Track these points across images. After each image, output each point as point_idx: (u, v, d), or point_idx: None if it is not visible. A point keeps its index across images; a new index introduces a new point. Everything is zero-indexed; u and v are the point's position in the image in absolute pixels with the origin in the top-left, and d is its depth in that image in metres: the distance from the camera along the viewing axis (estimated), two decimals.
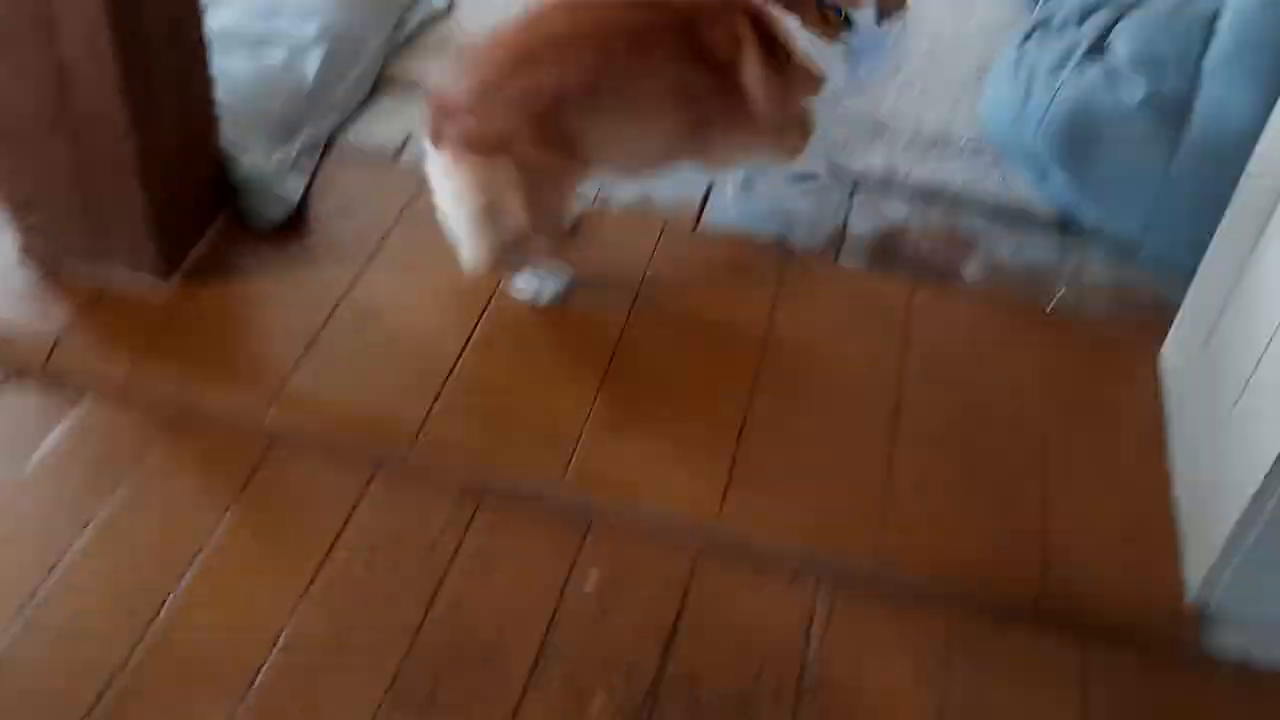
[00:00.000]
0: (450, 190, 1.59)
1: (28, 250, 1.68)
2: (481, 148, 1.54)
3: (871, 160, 2.03)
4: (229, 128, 1.81)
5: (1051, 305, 1.79)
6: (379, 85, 2.11)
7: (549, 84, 1.53)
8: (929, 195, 1.99)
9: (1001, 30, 2.34)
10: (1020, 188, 1.99)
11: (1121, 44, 1.86)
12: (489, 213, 1.58)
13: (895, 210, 1.96)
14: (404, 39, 2.20)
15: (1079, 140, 1.86)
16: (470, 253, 1.64)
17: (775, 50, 1.61)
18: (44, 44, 1.44)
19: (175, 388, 1.58)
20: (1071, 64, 1.90)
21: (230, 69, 1.92)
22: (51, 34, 1.43)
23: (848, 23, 1.63)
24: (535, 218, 1.60)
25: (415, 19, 2.24)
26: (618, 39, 1.57)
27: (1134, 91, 1.80)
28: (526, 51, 1.56)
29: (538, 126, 1.53)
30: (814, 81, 1.66)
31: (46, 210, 1.62)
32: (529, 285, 1.71)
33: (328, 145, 1.97)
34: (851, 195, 1.98)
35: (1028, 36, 2.05)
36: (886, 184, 2.00)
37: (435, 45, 2.21)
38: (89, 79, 1.47)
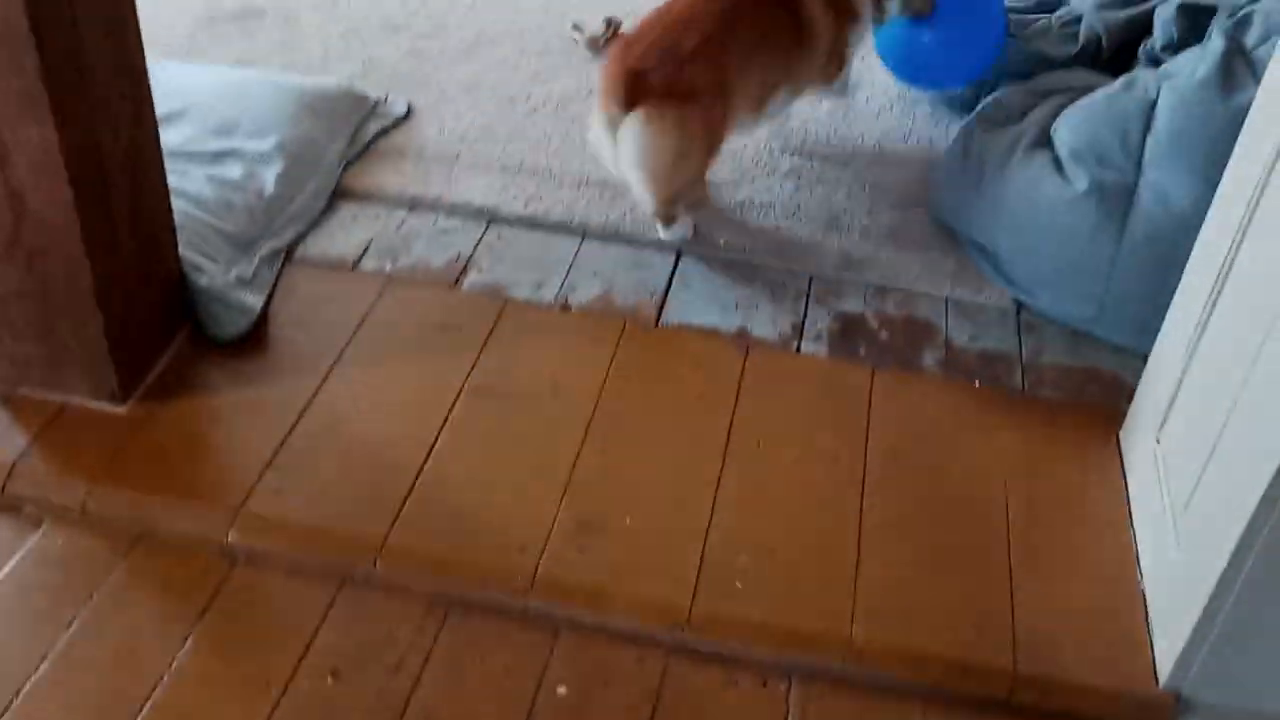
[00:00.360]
0: (645, 144, 1.89)
1: None
2: (677, 99, 1.87)
3: (826, 255, 2.05)
4: (187, 244, 1.82)
5: None
6: (337, 195, 2.12)
7: (709, 44, 1.90)
8: (885, 287, 2.01)
9: (950, 116, 2.40)
10: (975, 278, 2.02)
11: (1064, 134, 1.90)
12: (678, 158, 1.92)
13: (853, 301, 1.98)
14: (362, 148, 2.22)
15: (1031, 231, 1.90)
16: (654, 203, 1.99)
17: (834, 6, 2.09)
18: None
19: (134, 510, 1.56)
20: (1017, 156, 1.95)
21: (187, 187, 1.94)
22: (3, 161, 1.44)
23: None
24: (707, 159, 2.02)
25: (372, 128, 2.27)
26: (740, 6, 1.96)
27: (1078, 181, 1.84)
28: (680, 24, 1.91)
29: (711, 77, 1.91)
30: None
31: (0, 336, 1.61)
32: (676, 233, 2.05)
33: (287, 257, 1.98)
34: (809, 289, 2.00)
35: (973, 125, 2.10)
36: (843, 275, 2.02)
37: (393, 153, 2.23)
38: (41, 206, 1.47)
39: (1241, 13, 1.86)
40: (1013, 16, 2.37)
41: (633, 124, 1.87)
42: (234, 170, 2.02)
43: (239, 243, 1.92)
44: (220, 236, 1.90)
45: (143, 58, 1.58)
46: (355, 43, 2.58)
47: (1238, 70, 1.77)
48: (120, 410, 1.67)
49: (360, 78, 2.45)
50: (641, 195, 1.98)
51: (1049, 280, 1.92)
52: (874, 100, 2.47)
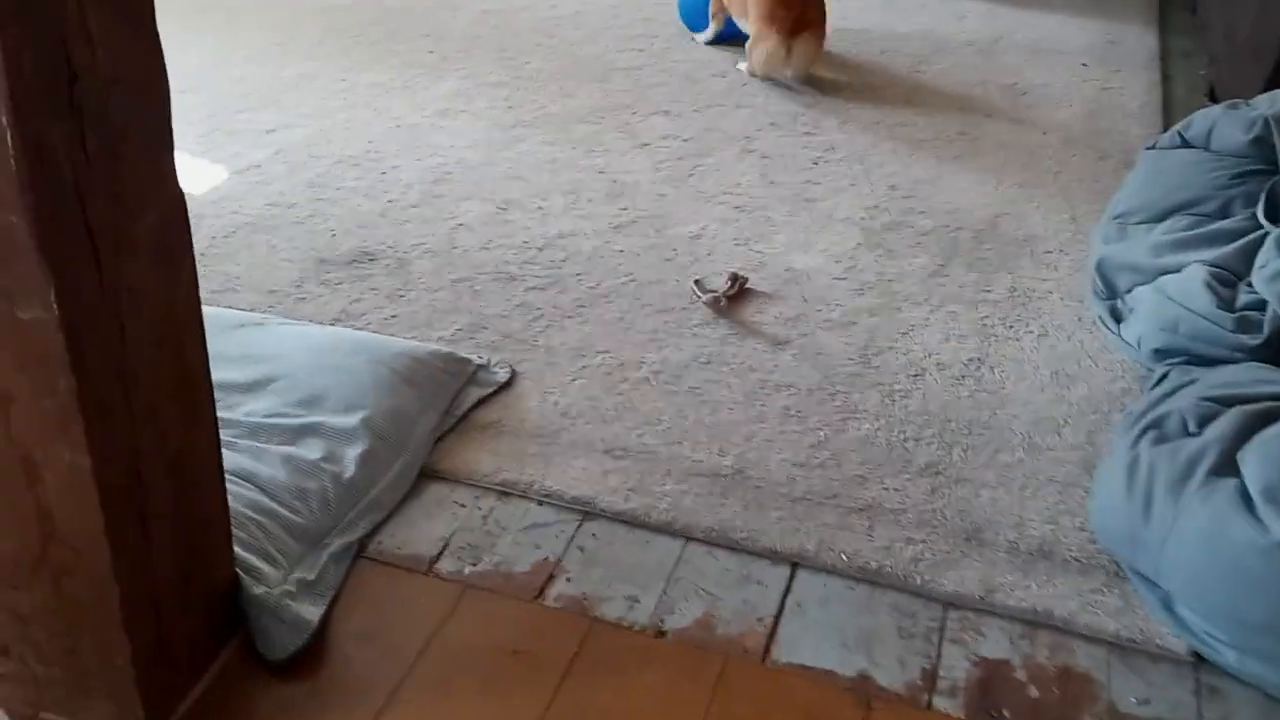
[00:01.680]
0: (793, 52, 3.45)
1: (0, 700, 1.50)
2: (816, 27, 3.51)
3: (965, 577, 1.78)
4: (248, 544, 1.65)
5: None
6: (423, 474, 1.95)
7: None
8: (1035, 623, 1.72)
9: (1110, 404, 2.13)
10: (1144, 616, 1.72)
11: (1255, 466, 1.62)
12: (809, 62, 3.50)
13: (996, 641, 1.69)
14: (456, 420, 2.06)
15: (1212, 577, 1.60)
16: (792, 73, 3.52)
17: None
18: (23, 488, 1.31)
19: None
20: (1195, 482, 1.66)
21: (259, 470, 1.79)
22: (33, 480, 1.30)
23: None
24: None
25: (471, 397, 2.11)
26: None
27: (1275, 526, 1.55)
28: None
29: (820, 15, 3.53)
30: None
31: (21, 658, 1.45)
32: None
33: (361, 548, 1.80)
34: (944, 621, 1.72)
35: (1141, 434, 1.83)
36: (985, 608, 1.74)
37: (489, 426, 2.06)
38: (70, 528, 1.32)
39: None
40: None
41: (778, 42, 3.44)
42: (314, 450, 1.87)
43: (309, 537, 1.75)
44: (288, 531, 1.73)
45: (203, 361, 1.44)
46: (465, 293, 2.46)
47: None
48: None
49: (465, 335, 2.31)
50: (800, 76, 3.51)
51: (1236, 636, 1.61)
52: (1025, 379, 2.22)
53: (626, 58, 3.81)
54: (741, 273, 2.54)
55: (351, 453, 1.88)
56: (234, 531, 1.63)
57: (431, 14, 4.16)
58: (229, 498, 1.60)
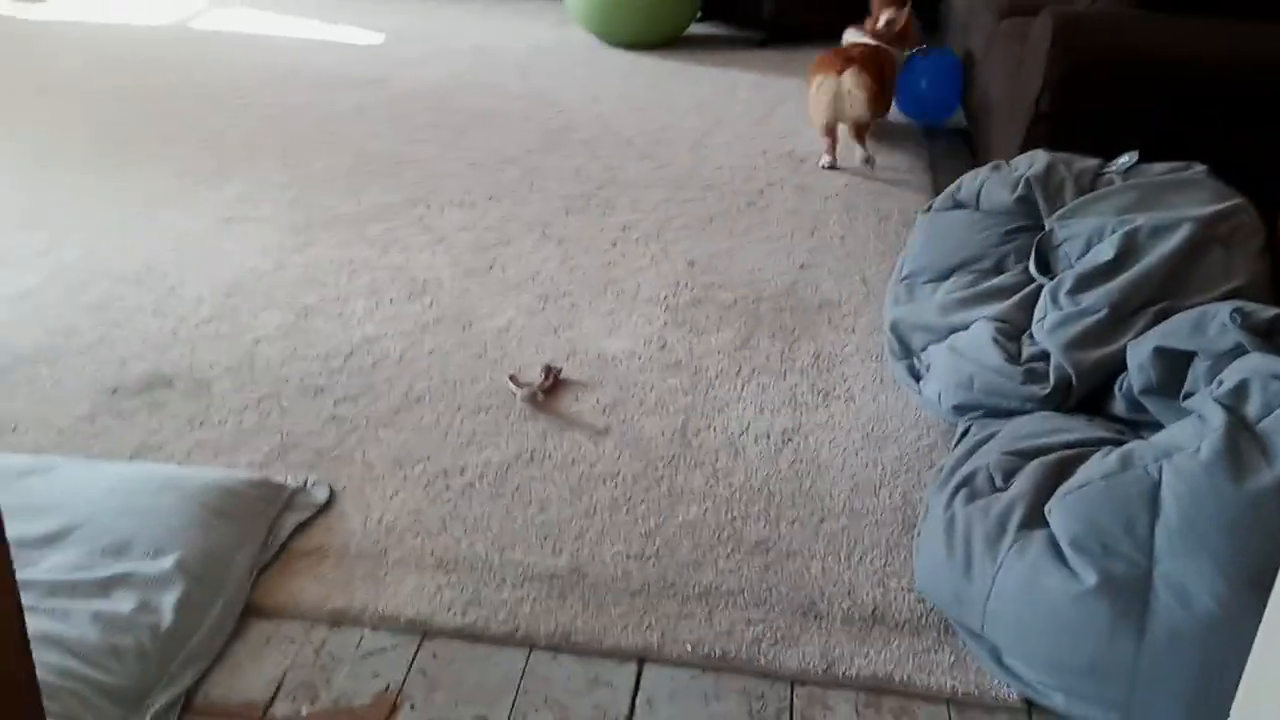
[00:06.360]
0: (852, 94, 3.62)
1: None
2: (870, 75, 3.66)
3: (807, 652, 1.81)
4: (62, 712, 1.54)
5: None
6: (247, 611, 1.86)
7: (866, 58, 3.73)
8: (878, 689, 1.77)
9: (920, 461, 2.22)
10: (977, 669, 1.79)
11: (1061, 518, 1.71)
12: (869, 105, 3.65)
13: (844, 714, 1.73)
14: (277, 550, 1.98)
15: (1034, 627, 1.68)
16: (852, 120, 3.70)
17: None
18: None
19: None
20: (1009, 538, 1.75)
21: (66, 633, 1.67)
22: None
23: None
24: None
25: (289, 524, 2.03)
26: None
27: (1086, 575, 1.64)
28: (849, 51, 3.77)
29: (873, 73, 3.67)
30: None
31: None
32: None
33: (186, 704, 1.69)
34: (791, 699, 1.75)
35: (954, 493, 1.91)
36: (829, 681, 1.78)
37: (312, 553, 1.99)
38: None
39: (1236, 380, 1.71)
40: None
41: (831, 85, 3.66)
42: (125, 602, 1.76)
43: (128, 698, 1.64)
44: (105, 695, 1.62)
45: None
46: (272, 411, 2.38)
47: (1245, 449, 1.60)
48: None
49: (276, 457, 2.23)
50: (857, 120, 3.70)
51: (1062, 681, 1.69)
52: (839, 445, 2.30)
53: (414, 150, 3.79)
54: (554, 363, 2.54)
55: (167, 600, 1.78)
56: (45, 703, 1.51)
57: (208, 116, 4.04)
58: (36, 667, 1.48)
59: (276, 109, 4.12)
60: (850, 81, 3.59)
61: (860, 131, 3.71)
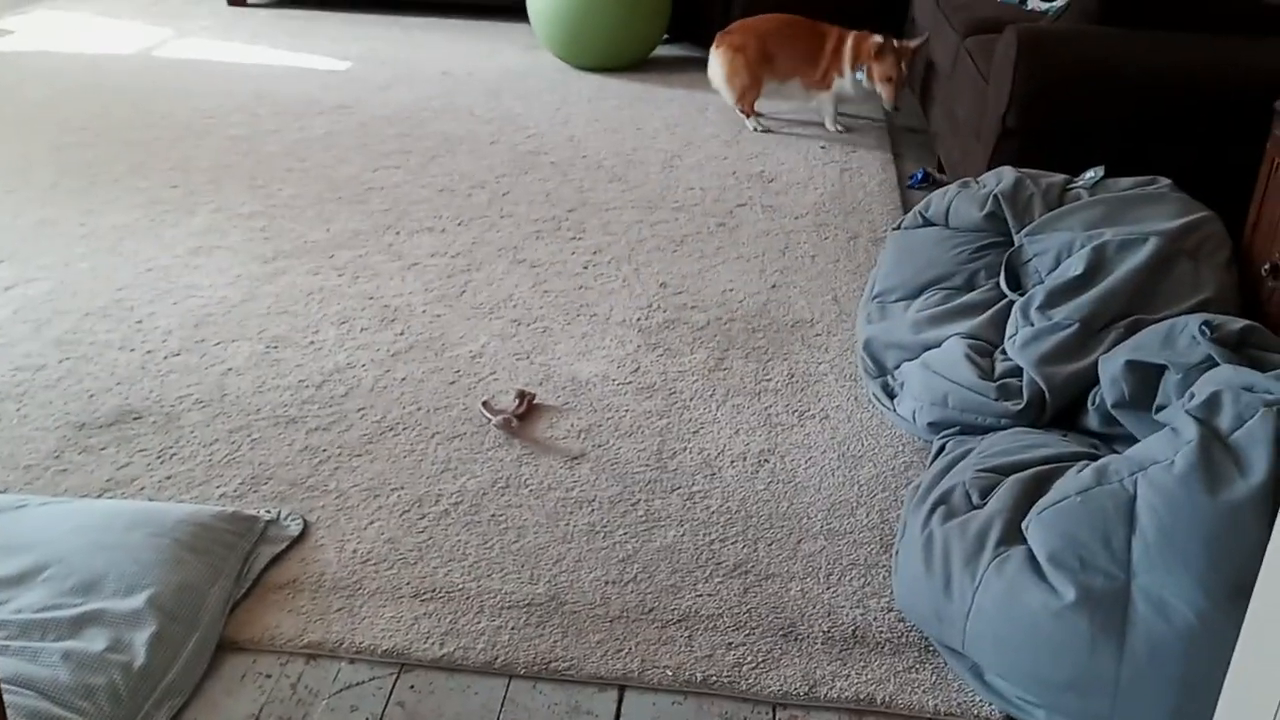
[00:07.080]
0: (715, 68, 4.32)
1: None
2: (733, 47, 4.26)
3: (788, 675, 1.81)
4: None
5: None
6: (222, 647, 1.84)
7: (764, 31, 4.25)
8: (860, 710, 1.76)
9: (896, 479, 2.22)
10: (958, 687, 1.78)
11: (1038, 534, 1.72)
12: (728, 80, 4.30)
13: None
14: (251, 583, 1.95)
15: (1014, 644, 1.68)
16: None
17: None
18: None
19: None
20: (987, 555, 1.75)
21: (37, 675, 1.64)
22: None
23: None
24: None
25: (263, 557, 2.00)
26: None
27: (1065, 590, 1.64)
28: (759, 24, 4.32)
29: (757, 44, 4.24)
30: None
31: None
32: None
33: None
34: (774, 718, 1.74)
35: (931, 511, 1.91)
36: (810, 703, 1.77)
37: (286, 586, 1.96)
38: None
39: (1208, 392, 1.72)
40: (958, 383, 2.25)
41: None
42: (97, 641, 1.73)
43: None
44: None
45: None
46: (244, 443, 2.35)
47: (1219, 461, 1.61)
48: None
49: (249, 489, 2.20)
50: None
51: (1043, 696, 1.69)
52: (814, 465, 2.30)
53: (383, 176, 3.78)
54: (528, 389, 2.53)
55: (140, 638, 1.75)
56: None
57: (174, 146, 4.02)
58: (6, 710, 1.46)
59: (243, 137, 4.10)
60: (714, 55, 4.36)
61: (736, 101, 4.34)
